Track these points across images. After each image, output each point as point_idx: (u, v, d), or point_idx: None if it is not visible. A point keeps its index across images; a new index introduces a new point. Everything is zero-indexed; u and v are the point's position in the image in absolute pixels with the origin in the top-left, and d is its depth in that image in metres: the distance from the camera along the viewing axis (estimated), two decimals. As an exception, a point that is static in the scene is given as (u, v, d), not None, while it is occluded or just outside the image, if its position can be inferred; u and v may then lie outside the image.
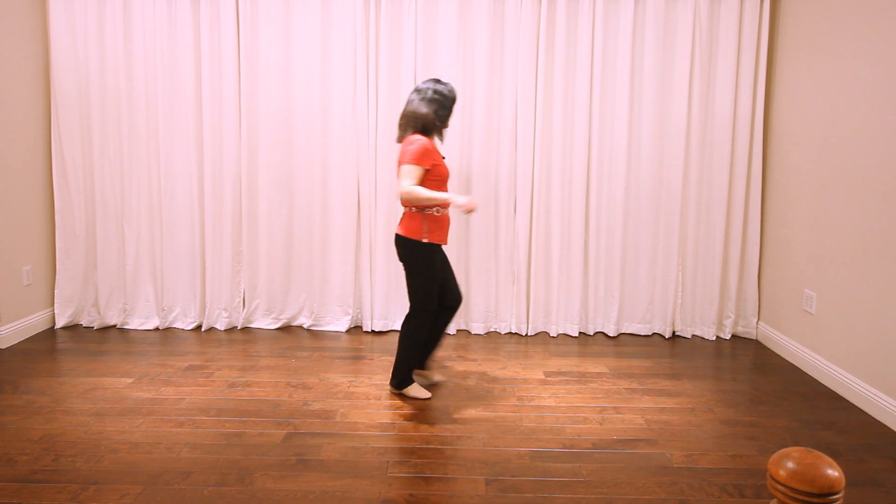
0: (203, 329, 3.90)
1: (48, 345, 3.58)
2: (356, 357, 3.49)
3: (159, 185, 3.82)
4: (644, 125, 3.79)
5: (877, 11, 2.89)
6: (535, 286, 3.91)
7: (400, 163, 2.67)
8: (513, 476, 2.27)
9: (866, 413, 2.87)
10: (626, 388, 3.10)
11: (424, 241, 2.73)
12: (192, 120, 3.76)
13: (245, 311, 3.96)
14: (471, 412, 2.79)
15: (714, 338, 3.91)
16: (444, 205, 2.67)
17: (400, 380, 2.91)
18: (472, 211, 2.67)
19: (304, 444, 2.48)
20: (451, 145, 3.74)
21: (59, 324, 3.86)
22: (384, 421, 2.69)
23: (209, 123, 3.75)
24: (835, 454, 2.49)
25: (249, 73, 3.73)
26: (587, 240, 3.90)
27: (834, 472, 1.00)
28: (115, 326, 3.93)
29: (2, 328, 3.50)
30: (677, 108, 3.75)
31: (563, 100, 3.76)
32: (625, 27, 3.70)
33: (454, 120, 3.66)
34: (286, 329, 3.97)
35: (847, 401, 3.00)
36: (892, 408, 2.73)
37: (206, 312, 3.90)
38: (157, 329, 3.90)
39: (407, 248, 2.76)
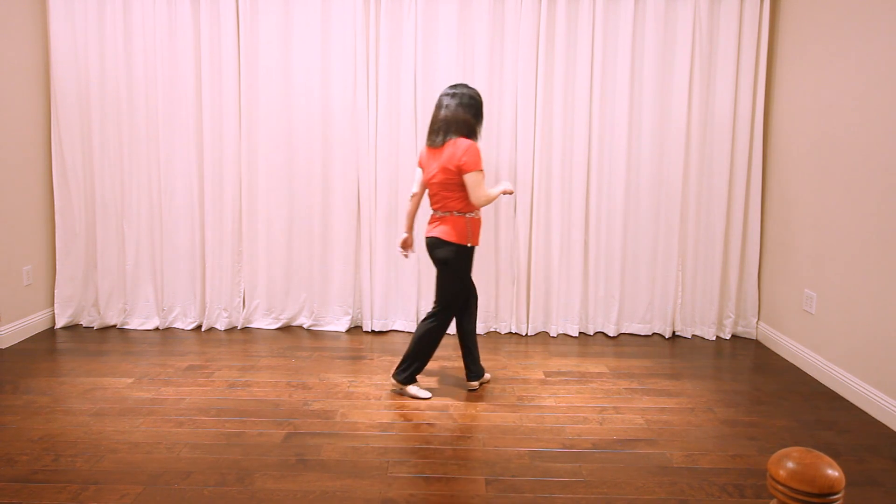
0: (203, 329, 3.90)
1: (48, 345, 3.58)
2: (356, 357, 3.49)
3: (159, 185, 3.82)
4: (644, 125, 3.79)
5: (877, 11, 2.89)
6: (535, 286, 3.92)
7: (463, 170, 2.69)
8: (513, 476, 2.27)
9: (866, 413, 2.87)
10: (626, 388, 3.10)
11: (468, 244, 2.80)
12: (192, 120, 3.76)
13: (245, 311, 3.96)
14: (471, 412, 2.79)
15: (714, 338, 3.91)
16: (507, 192, 2.89)
17: (407, 375, 2.91)
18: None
19: (304, 444, 2.48)
20: (451, 145, 3.74)
21: (59, 324, 3.86)
22: (384, 421, 2.69)
23: (209, 123, 3.75)
24: (835, 454, 2.49)
25: (249, 72, 3.73)
26: (587, 240, 3.90)
27: (834, 472, 1.00)
28: (115, 326, 3.93)
29: (2, 328, 3.50)
30: (677, 108, 3.75)
31: (562, 100, 3.76)
32: (625, 27, 3.70)
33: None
34: (286, 329, 3.97)
35: (847, 401, 3.00)
36: (892, 408, 2.73)
37: (206, 312, 3.90)
38: (157, 329, 3.90)
39: (451, 252, 2.79)
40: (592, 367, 3.40)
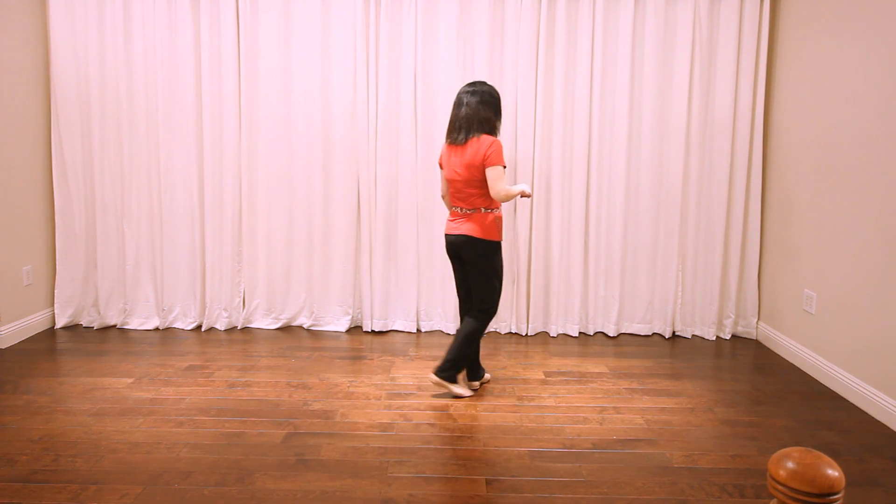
0: (203, 329, 3.90)
1: (48, 345, 3.58)
2: (356, 357, 3.49)
3: (159, 185, 3.82)
4: (644, 125, 3.79)
5: (877, 11, 2.89)
6: (535, 286, 3.91)
7: (486, 164, 2.69)
8: (513, 476, 2.27)
9: (866, 413, 2.87)
10: (626, 388, 3.09)
11: (498, 240, 2.84)
12: (192, 120, 3.76)
13: (245, 311, 3.96)
14: (471, 412, 2.79)
15: (714, 338, 3.91)
16: (525, 195, 2.82)
17: (454, 373, 2.92)
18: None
19: (304, 444, 2.48)
20: (451, 145, 3.74)
21: (59, 324, 3.86)
22: (384, 421, 2.69)
23: (209, 123, 3.75)
24: (835, 454, 2.48)
25: (249, 72, 3.74)
26: (587, 240, 3.90)
27: (834, 472, 1.00)
28: (115, 326, 3.93)
29: (2, 328, 3.50)
30: (677, 107, 3.75)
31: (562, 100, 3.76)
32: (625, 27, 3.70)
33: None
34: (286, 329, 3.97)
35: (847, 401, 3.00)
36: (892, 408, 2.73)
37: (206, 312, 3.90)
38: (157, 329, 3.90)
39: (485, 249, 2.80)
40: (592, 367, 3.40)
